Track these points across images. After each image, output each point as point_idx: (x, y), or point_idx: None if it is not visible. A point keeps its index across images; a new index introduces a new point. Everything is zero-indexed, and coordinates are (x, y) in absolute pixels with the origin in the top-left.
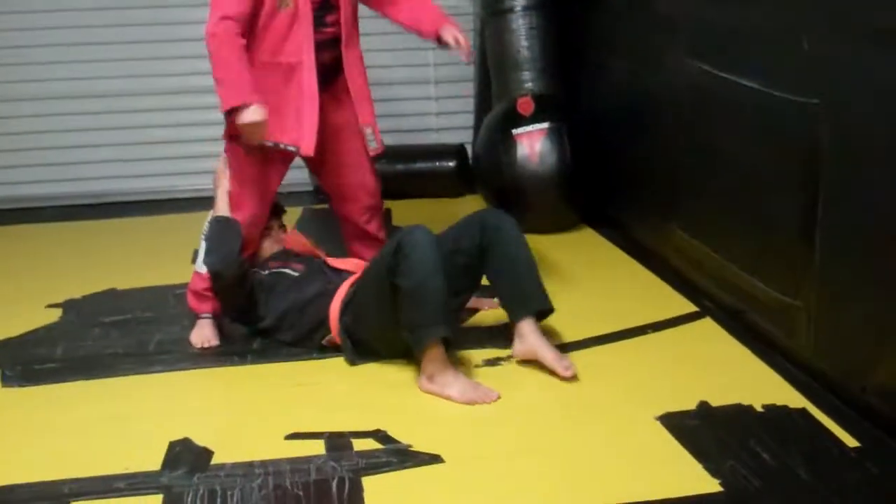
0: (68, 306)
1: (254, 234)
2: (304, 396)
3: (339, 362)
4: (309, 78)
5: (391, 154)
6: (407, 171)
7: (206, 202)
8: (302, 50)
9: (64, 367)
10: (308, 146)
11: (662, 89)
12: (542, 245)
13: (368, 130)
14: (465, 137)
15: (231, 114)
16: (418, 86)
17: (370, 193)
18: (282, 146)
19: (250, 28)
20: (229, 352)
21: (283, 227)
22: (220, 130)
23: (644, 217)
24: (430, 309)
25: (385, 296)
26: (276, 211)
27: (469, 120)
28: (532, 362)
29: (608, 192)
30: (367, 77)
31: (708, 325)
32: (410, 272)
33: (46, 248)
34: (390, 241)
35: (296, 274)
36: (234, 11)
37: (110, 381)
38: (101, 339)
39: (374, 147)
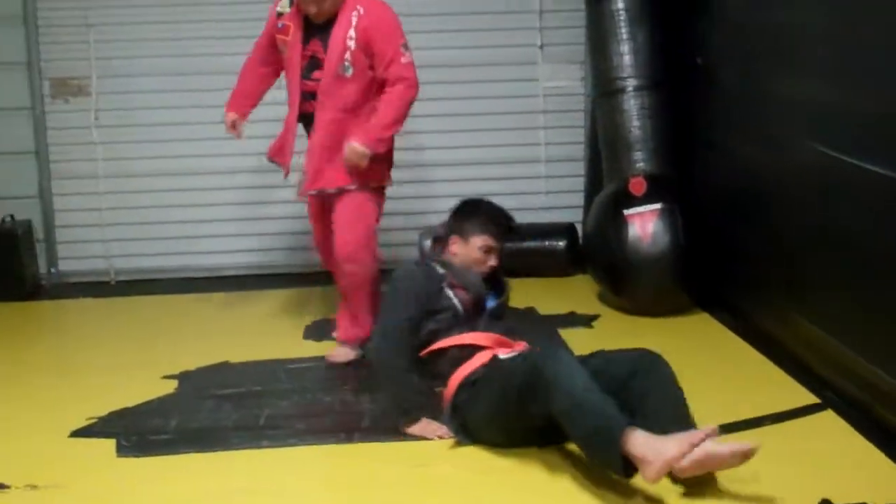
0: (183, 378)
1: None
2: (411, 478)
3: (445, 444)
4: (291, 115)
5: None
6: (516, 250)
7: (319, 276)
8: (292, 91)
9: (177, 438)
10: (286, 171)
11: (781, 171)
12: (654, 329)
13: (303, 176)
14: (574, 217)
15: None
16: (528, 164)
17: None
18: (275, 162)
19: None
20: (336, 429)
21: (500, 251)
22: None
23: (762, 302)
24: (601, 414)
25: (506, 401)
26: (506, 231)
27: (579, 199)
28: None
29: (723, 275)
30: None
31: (830, 417)
32: (562, 396)
33: (163, 320)
34: (525, 360)
35: (459, 310)
36: (259, 41)
37: (221, 454)
38: (213, 412)
39: (299, 192)
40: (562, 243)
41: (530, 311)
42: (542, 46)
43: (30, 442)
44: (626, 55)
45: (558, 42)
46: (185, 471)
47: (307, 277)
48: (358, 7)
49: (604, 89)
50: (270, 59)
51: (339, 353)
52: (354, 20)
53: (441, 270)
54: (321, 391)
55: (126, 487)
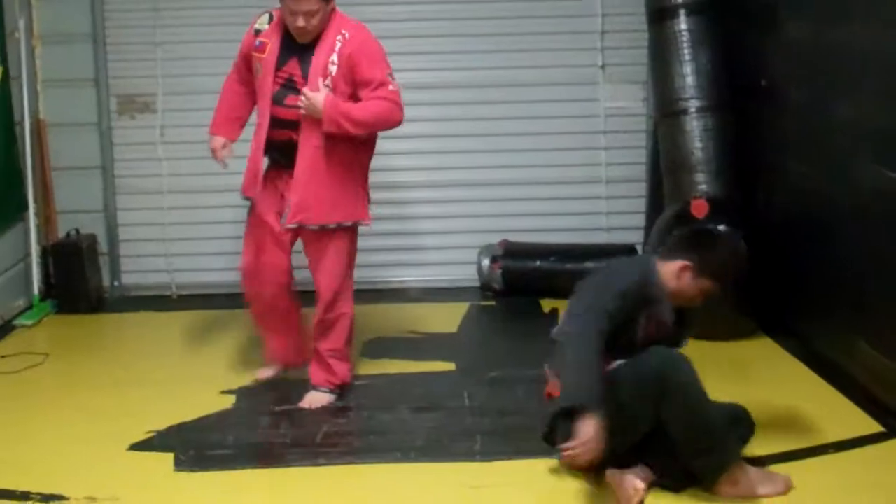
0: (241, 393)
1: None
2: (467, 499)
3: (504, 466)
4: (258, 141)
5: (561, 252)
6: (576, 270)
7: (380, 294)
8: (261, 115)
9: (234, 454)
10: (246, 189)
11: (846, 195)
12: (718, 353)
13: (287, 208)
14: (635, 238)
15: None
16: (589, 185)
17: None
18: (243, 198)
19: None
20: (392, 447)
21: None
22: (386, 226)
23: (826, 329)
24: (719, 435)
25: (621, 403)
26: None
27: (640, 220)
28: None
29: (787, 300)
30: (331, 172)
31: (895, 447)
32: (686, 409)
33: (223, 335)
34: (645, 363)
35: (636, 341)
36: (236, 60)
37: (277, 471)
38: (270, 428)
39: (281, 223)
40: None
41: None
42: (603, 66)
43: (89, 454)
44: (688, 76)
45: (620, 62)
46: (241, 486)
47: (364, 295)
48: (343, 31)
49: (666, 110)
50: (248, 78)
51: (315, 398)
52: (338, 45)
53: (659, 296)
54: (378, 409)
55: (183, 502)
